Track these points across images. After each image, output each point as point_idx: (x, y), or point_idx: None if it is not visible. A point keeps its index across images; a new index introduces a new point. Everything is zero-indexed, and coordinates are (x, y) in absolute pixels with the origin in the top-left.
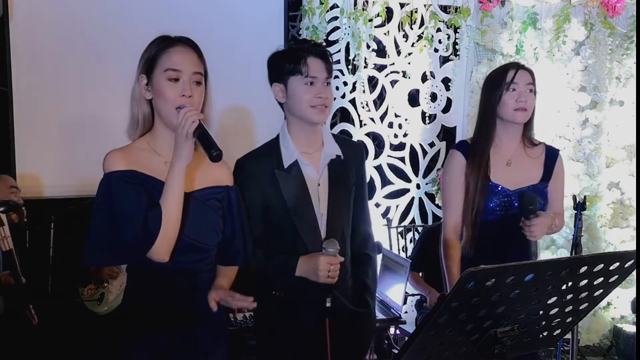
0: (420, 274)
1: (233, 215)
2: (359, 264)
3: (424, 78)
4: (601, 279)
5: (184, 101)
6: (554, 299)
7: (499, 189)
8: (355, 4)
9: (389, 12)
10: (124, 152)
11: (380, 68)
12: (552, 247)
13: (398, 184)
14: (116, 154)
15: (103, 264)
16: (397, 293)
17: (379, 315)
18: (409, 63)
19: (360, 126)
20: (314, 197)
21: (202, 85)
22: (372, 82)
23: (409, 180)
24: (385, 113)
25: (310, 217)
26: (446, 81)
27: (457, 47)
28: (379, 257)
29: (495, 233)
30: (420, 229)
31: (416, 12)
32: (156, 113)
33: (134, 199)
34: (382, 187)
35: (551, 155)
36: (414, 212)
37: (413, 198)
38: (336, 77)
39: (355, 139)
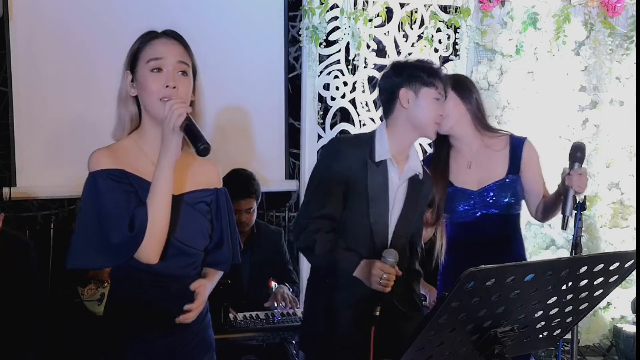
0: None
1: (221, 219)
2: (412, 279)
3: None
4: (601, 279)
5: (168, 92)
6: (554, 299)
7: (463, 191)
8: (355, 4)
9: (389, 12)
10: (111, 150)
11: (380, 68)
12: (552, 247)
13: None
14: (103, 152)
15: (90, 267)
16: None
17: None
18: None
19: (360, 126)
20: (390, 200)
21: (189, 77)
22: (372, 82)
23: None
24: None
25: (384, 215)
26: None
27: (457, 47)
28: None
29: (471, 234)
30: None
31: (416, 12)
32: (143, 109)
33: (122, 198)
34: None
35: (516, 145)
36: None
37: None
38: (336, 77)
39: None
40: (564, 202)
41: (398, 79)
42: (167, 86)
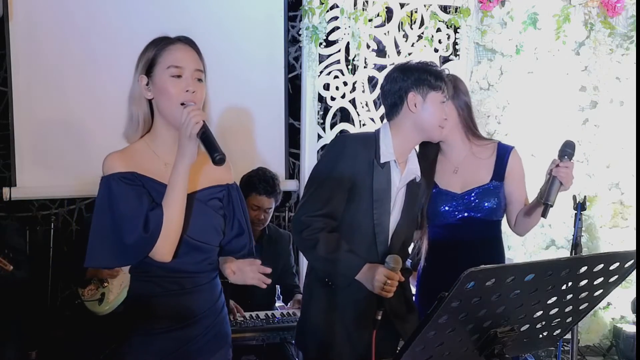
0: None
1: (235, 212)
2: (405, 278)
3: None
4: (601, 279)
5: (188, 97)
6: (554, 299)
7: (446, 193)
8: (355, 4)
9: (389, 12)
10: (124, 154)
11: (380, 68)
12: (552, 247)
13: None
14: (115, 156)
15: (104, 266)
16: None
17: None
18: None
19: (360, 126)
20: (391, 202)
21: (203, 83)
22: (372, 82)
23: None
24: None
25: (386, 217)
26: None
27: (457, 47)
28: None
29: (452, 237)
30: None
31: (416, 12)
32: (157, 112)
33: (135, 200)
34: None
35: (502, 154)
36: None
37: None
38: (336, 77)
39: None
40: (548, 189)
41: (405, 83)
42: (187, 90)
